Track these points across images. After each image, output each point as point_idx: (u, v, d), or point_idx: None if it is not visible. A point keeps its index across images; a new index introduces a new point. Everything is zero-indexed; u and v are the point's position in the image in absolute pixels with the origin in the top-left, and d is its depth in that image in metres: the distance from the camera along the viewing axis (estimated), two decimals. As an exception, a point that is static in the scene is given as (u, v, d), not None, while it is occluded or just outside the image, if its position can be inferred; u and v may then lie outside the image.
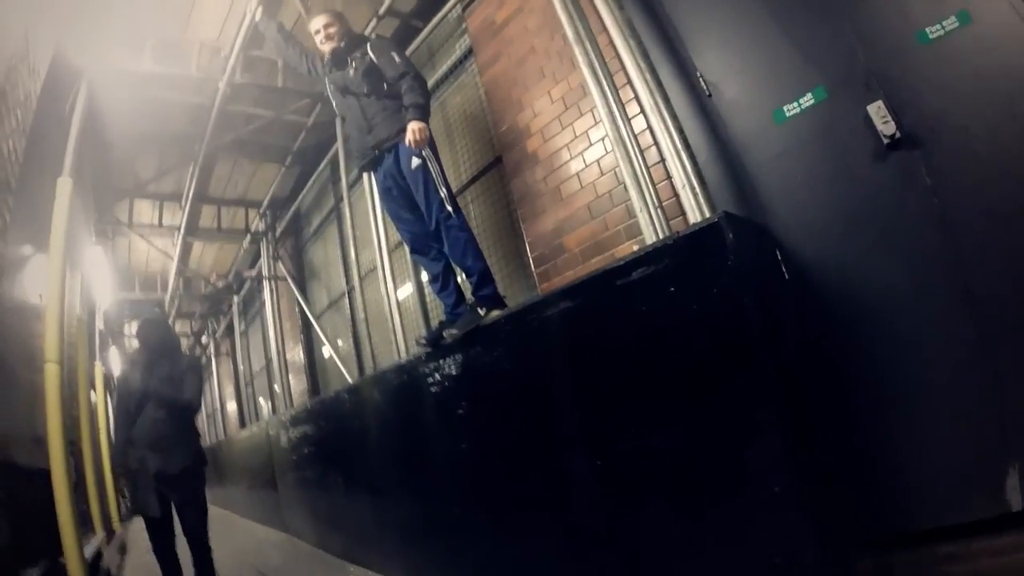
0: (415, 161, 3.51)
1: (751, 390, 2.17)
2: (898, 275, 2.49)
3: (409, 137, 3.41)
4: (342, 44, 3.82)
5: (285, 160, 7.74)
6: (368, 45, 3.80)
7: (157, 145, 6.79)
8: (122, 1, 4.48)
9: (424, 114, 3.50)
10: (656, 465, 2.34)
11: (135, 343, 4.06)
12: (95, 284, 6.42)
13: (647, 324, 2.44)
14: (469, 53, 4.95)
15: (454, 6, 4.88)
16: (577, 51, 3.61)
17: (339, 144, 6.33)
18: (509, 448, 2.98)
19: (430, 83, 4.79)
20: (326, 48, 3.86)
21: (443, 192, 3.46)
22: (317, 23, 3.88)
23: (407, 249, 4.03)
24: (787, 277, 2.67)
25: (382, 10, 5.39)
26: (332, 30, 3.84)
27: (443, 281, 3.61)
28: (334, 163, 6.77)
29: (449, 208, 3.45)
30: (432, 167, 3.49)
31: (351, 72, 3.74)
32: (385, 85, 3.67)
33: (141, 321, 3.86)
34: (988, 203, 2.26)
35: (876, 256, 2.54)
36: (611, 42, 3.48)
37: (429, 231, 3.56)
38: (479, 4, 4.69)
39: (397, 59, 3.67)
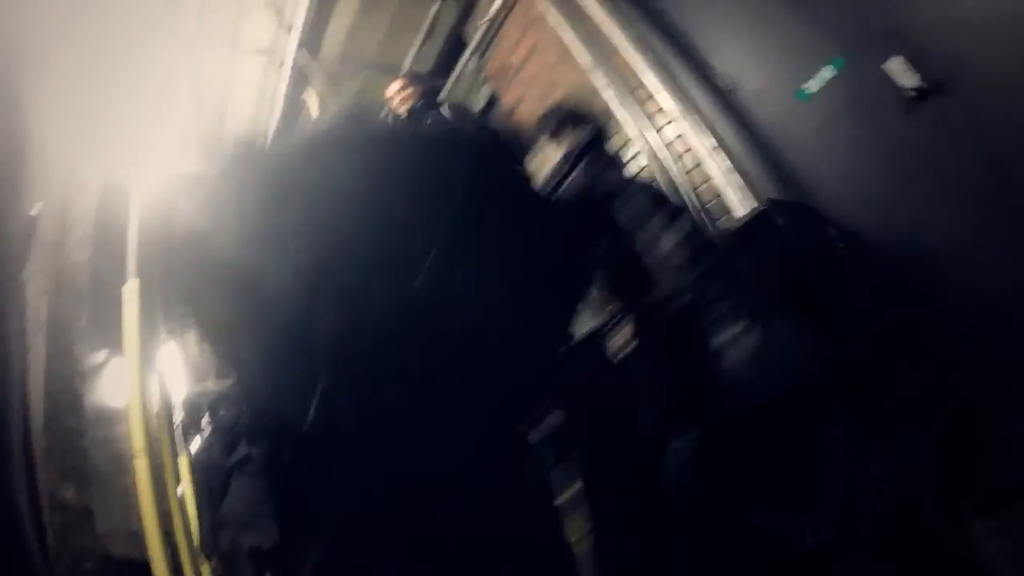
0: None
1: (834, 374, 2.11)
2: (959, 222, 2.40)
3: None
4: (420, 103, 4.06)
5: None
6: (441, 106, 4.16)
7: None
8: (159, 110, 4.76)
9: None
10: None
11: (211, 425, 4.14)
12: (171, 380, 6.64)
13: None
14: (494, 99, 5.05)
15: (470, 58, 5.01)
16: (595, 76, 3.66)
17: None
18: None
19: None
20: (403, 108, 4.08)
21: None
22: (393, 87, 4.17)
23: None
24: (844, 251, 2.60)
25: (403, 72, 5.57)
26: (407, 92, 4.09)
27: None
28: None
29: None
30: None
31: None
32: None
33: (211, 399, 3.96)
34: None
35: (931, 209, 2.46)
36: (626, 61, 3.52)
37: None
38: (494, 52, 4.80)
39: (474, 115, 3.95)
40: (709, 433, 1.97)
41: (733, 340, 1.97)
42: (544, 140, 2.53)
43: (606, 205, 2.16)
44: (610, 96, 3.58)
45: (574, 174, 2.32)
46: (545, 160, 2.48)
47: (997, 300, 2.28)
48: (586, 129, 2.47)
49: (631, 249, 2.10)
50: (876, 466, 1.94)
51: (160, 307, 6.61)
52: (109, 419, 3.64)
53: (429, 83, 4.43)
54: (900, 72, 2.42)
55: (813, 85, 2.78)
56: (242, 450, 3.75)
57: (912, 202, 2.50)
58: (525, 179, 1.94)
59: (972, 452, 2.23)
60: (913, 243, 2.53)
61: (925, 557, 1.92)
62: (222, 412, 3.93)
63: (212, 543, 3.70)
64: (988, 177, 2.30)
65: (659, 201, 2.23)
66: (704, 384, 1.99)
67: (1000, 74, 2.22)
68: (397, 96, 4.11)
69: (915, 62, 2.40)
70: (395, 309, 1.49)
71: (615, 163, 2.39)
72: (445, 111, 4.03)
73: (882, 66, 2.48)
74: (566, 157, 2.46)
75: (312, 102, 4.68)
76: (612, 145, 3.81)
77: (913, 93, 2.39)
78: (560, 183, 2.36)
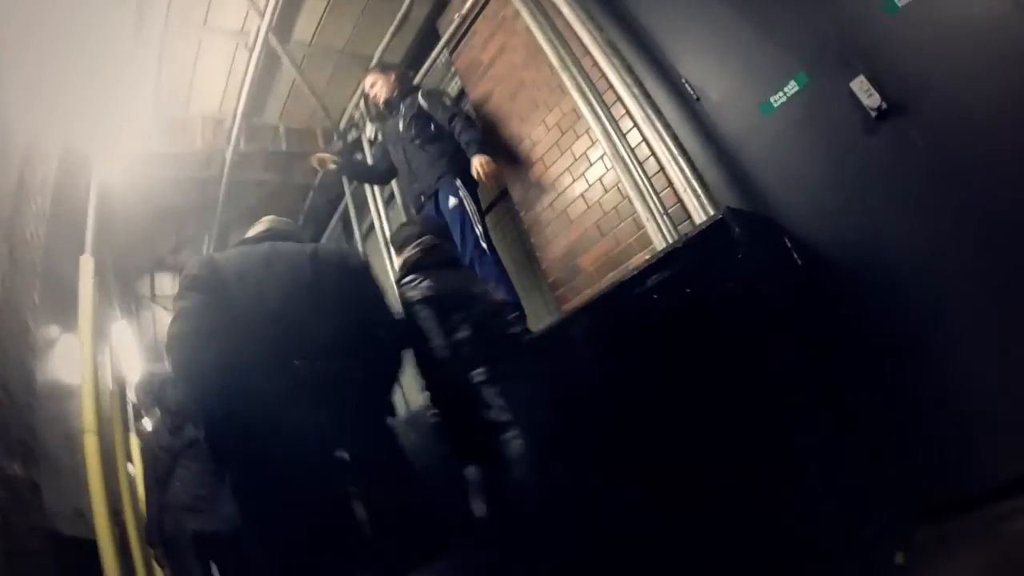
0: (452, 200, 3.71)
1: (782, 377, 2.19)
2: (911, 237, 2.47)
3: (479, 171, 3.64)
4: (395, 93, 4.15)
5: (297, 221, 7.88)
6: (419, 92, 4.17)
7: (172, 220, 6.97)
8: (124, 87, 4.68)
9: (485, 147, 3.73)
10: (700, 467, 2.34)
11: (158, 409, 4.09)
12: (124, 359, 6.55)
13: (669, 328, 2.47)
14: (463, 94, 5.08)
15: (440, 52, 5.04)
16: (565, 78, 3.72)
17: (347, 199, 6.52)
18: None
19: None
20: (380, 100, 4.30)
21: (478, 229, 3.63)
22: (365, 84, 4.43)
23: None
24: (799, 262, 2.69)
25: (373, 65, 5.55)
26: (378, 87, 4.29)
27: None
28: (345, 219, 6.93)
29: (484, 245, 3.61)
30: (468, 206, 3.71)
31: (400, 121, 4.04)
32: (433, 127, 3.92)
33: (159, 381, 3.93)
34: (984, 150, 2.26)
35: (887, 223, 2.54)
36: (596, 64, 3.58)
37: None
38: (465, 47, 4.83)
39: (447, 101, 4.00)
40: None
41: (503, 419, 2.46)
42: (396, 250, 2.96)
43: (428, 310, 2.62)
44: (578, 97, 3.64)
45: (406, 282, 2.73)
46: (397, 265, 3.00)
47: (949, 312, 2.37)
48: (416, 249, 2.85)
49: (437, 344, 2.57)
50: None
51: (115, 287, 6.50)
52: (61, 395, 3.59)
53: (401, 72, 4.45)
54: (862, 91, 2.50)
55: (777, 99, 2.88)
56: (189, 432, 3.72)
57: (868, 216, 2.59)
58: (379, 297, 2.53)
59: (915, 462, 2.33)
60: (868, 256, 2.61)
61: (866, 567, 2.00)
62: (169, 391, 3.89)
63: (156, 527, 3.67)
64: (944, 194, 2.38)
65: (463, 304, 2.66)
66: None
67: (959, 96, 2.31)
68: (371, 91, 4.24)
69: (876, 82, 2.49)
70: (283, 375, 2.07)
71: (438, 275, 2.73)
72: (421, 98, 4.10)
73: (846, 85, 2.56)
74: (401, 267, 2.85)
75: (320, 169, 4.68)
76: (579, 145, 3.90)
77: (874, 112, 2.48)
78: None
